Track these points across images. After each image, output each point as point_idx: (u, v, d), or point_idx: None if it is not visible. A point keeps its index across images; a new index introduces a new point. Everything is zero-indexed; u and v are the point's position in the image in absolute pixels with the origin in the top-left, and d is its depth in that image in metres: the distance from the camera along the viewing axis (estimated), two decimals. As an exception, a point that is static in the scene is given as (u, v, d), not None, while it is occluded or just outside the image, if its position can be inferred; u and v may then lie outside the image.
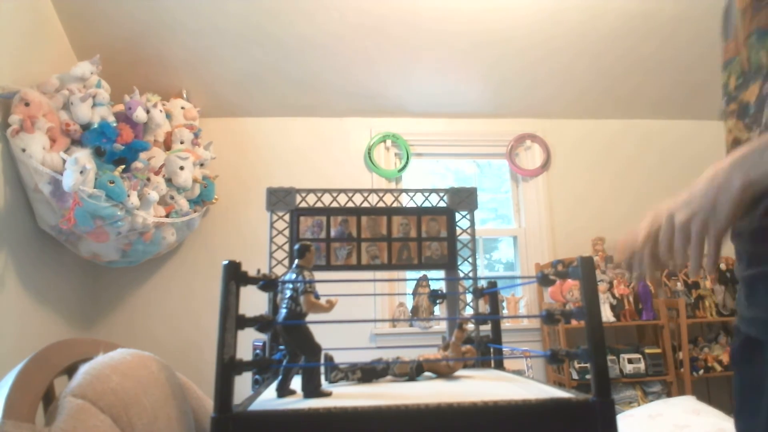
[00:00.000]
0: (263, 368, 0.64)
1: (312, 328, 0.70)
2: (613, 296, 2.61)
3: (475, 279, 1.13)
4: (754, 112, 0.73)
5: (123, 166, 2.08)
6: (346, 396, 0.68)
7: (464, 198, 1.21)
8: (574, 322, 2.31)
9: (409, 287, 2.74)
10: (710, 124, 2.97)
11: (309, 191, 1.20)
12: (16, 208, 1.98)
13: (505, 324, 2.65)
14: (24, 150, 1.87)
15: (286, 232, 1.17)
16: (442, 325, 2.03)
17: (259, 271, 0.77)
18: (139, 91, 2.32)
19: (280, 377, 0.71)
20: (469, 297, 1.18)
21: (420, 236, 1.20)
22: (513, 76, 2.76)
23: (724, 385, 2.66)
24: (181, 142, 2.47)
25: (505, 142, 2.97)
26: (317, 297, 0.71)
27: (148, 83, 2.52)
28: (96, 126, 2.05)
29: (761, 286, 0.72)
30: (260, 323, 0.64)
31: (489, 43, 2.53)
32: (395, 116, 2.94)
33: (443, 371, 0.88)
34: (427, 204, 1.22)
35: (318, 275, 0.74)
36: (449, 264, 1.19)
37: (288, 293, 0.71)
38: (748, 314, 0.74)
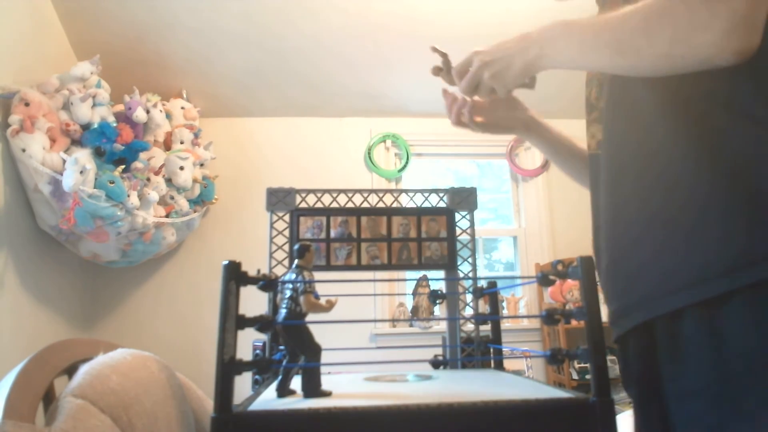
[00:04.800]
0: (263, 368, 0.64)
1: (312, 328, 0.70)
2: (613, 296, 2.61)
3: (475, 279, 1.13)
4: None
5: (123, 166, 2.08)
6: (346, 396, 0.68)
7: (464, 198, 1.21)
8: (574, 322, 2.30)
9: (409, 287, 2.74)
10: (710, 124, 2.97)
11: (309, 191, 1.20)
12: (16, 208, 1.98)
13: (505, 324, 2.64)
14: (24, 150, 1.87)
15: (286, 233, 1.17)
16: (442, 325, 2.03)
17: (259, 271, 0.77)
18: (139, 91, 2.32)
19: (280, 377, 0.71)
20: (469, 297, 1.18)
21: (420, 236, 1.20)
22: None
23: (724, 385, 2.66)
24: (181, 142, 2.47)
25: (505, 142, 2.97)
26: (317, 297, 0.71)
27: (148, 83, 2.52)
28: (96, 126, 2.05)
29: (602, 283, 0.78)
30: (260, 323, 0.63)
31: (489, 43, 2.53)
32: (395, 116, 2.94)
33: None
34: (426, 204, 1.22)
35: (318, 275, 0.74)
36: (449, 264, 1.19)
37: (288, 293, 0.71)
38: (608, 318, 0.78)
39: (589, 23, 0.68)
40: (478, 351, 1.06)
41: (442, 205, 1.22)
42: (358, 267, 1.18)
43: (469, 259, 1.18)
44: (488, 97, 0.87)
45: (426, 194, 1.23)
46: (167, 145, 2.46)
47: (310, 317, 0.70)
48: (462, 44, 2.61)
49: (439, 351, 1.18)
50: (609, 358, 2.43)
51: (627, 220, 0.72)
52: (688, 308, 0.62)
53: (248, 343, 1.61)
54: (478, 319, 1.11)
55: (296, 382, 0.72)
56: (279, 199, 1.18)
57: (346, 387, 0.77)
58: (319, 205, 1.20)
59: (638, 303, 0.70)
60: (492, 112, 0.98)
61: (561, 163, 1.05)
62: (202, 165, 2.54)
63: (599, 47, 0.66)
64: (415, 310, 2.66)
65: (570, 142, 1.04)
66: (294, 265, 0.73)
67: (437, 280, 2.26)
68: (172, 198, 2.34)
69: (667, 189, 0.67)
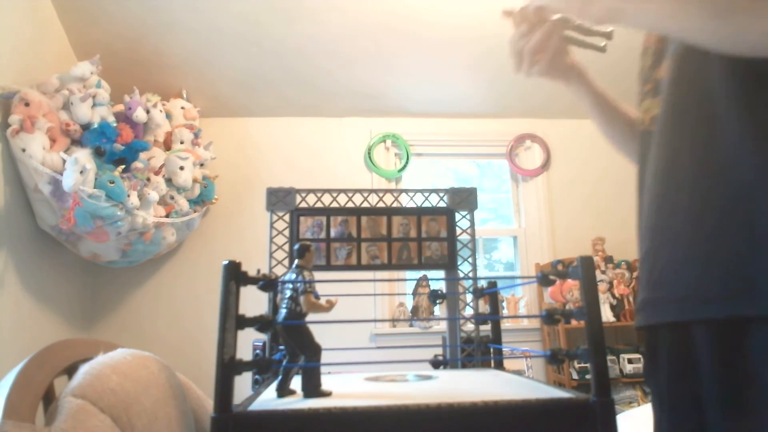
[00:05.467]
0: (263, 368, 0.64)
1: (312, 328, 0.70)
2: (613, 296, 2.61)
3: (475, 279, 1.13)
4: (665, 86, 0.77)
5: (123, 166, 2.08)
6: (346, 396, 0.68)
7: (464, 198, 1.21)
8: (574, 322, 2.31)
9: (409, 287, 2.74)
10: (710, 124, 2.97)
11: (309, 191, 1.20)
12: (16, 208, 1.98)
13: (505, 324, 2.64)
14: (24, 150, 1.87)
15: (286, 232, 1.17)
16: (442, 325, 2.03)
17: (259, 271, 0.77)
18: (139, 91, 2.32)
19: (280, 377, 0.71)
20: (469, 297, 1.18)
21: (420, 236, 1.20)
22: (513, 75, 2.74)
23: (724, 385, 2.66)
24: (181, 142, 2.47)
25: (505, 142, 2.97)
26: (317, 297, 0.71)
27: (148, 83, 2.52)
28: (96, 126, 2.05)
29: (644, 266, 0.73)
30: (260, 323, 0.63)
31: (489, 43, 2.53)
32: (395, 116, 2.94)
33: None
34: (427, 204, 1.22)
35: (318, 275, 0.74)
36: (449, 264, 1.19)
37: (288, 293, 0.71)
38: (637, 301, 0.75)
39: None
40: (478, 351, 1.06)
41: (442, 205, 1.22)
42: (358, 267, 1.18)
43: (469, 259, 1.18)
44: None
45: (426, 194, 1.23)
46: (167, 145, 2.46)
47: (310, 317, 0.70)
48: (462, 44, 2.61)
49: (439, 351, 1.18)
50: (609, 358, 2.44)
51: (674, 209, 0.67)
52: (748, 321, 0.57)
53: (248, 343, 1.61)
54: (478, 319, 1.11)
55: (296, 382, 0.72)
56: (279, 198, 1.18)
57: (346, 387, 0.77)
58: (319, 205, 1.20)
59: (674, 300, 0.65)
60: (550, 53, 0.86)
61: (606, 124, 0.96)
62: (202, 165, 2.54)
63: (700, 14, 0.58)
64: (415, 310, 2.66)
65: (616, 102, 0.95)
66: (294, 265, 0.73)
67: (437, 280, 2.26)
68: (172, 198, 2.34)
69: (726, 187, 0.61)
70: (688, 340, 0.64)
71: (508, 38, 0.85)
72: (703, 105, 0.65)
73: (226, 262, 0.60)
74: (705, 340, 0.62)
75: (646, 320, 0.71)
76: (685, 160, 0.67)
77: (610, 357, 2.48)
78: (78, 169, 1.85)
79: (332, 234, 1.18)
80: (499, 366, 1.01)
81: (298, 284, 0.70)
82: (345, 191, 1.22)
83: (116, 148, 2.08)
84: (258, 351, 1.86)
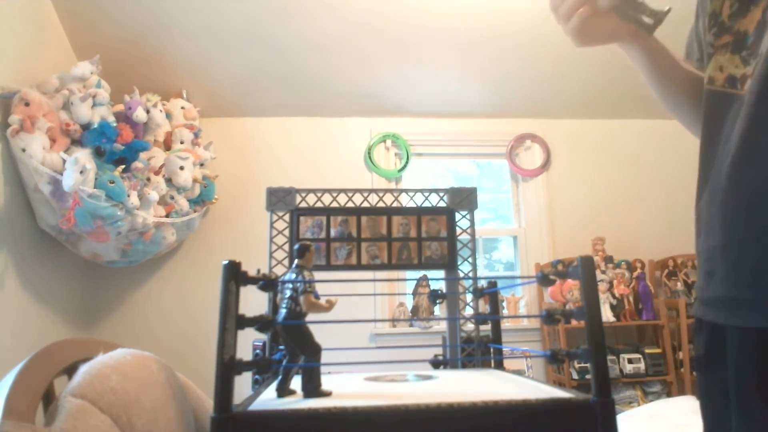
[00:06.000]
0: (263, 368, 0.64)
1: (312, 328, 0.70)
2: (613, 296, 2.61)
3: (475, 279, 1.13)
4: (752, 42, 0.64)
5: (123, 166, 2.08)
6: (346, 396, 0.68)
7: (464, 198, 1.21)
8: (574, 322, 2.31)
9: (409, 287, 2.74)
10: (710, 124, 2.97)
11: (309, 191, 1.20)
12: (16, 208, 1.98)
13: (505, 324, 2.64)
14: (24, 150, 1.87)
15: (286, 232, 1.17)
16: (442, 325, 2.03)
17: (259, 271, 0.77)
18: (139, 91, 2.32)
19: (280, 377, 0.71)
20: (469, 297, 1.17)
21: (420, 236, 1.20)
22: (513, 76, 2.75)
23: (724, 385, 2.66)
24: (181, 142, 2.47)
25: (505, 142, 2.97)
26: (317, 297, 0.70)
27: (148, 83, 2.52)
28: (96, 126, 2.05)
29: (721, 259, 0.65)
30: (260, 323, 0.63)
31: (489, 43, 2.53)
32: (395, 116, 2.94)
33: None
34: (427, 204, 1.22)
35: (318, 275, 0.74)
36: (449, 264, 1.19)
37: (288, 293, 0.71)
38: (707, 295, 0.69)
39: None
40: (478, 351, 1.06)
41: (442, 204, 1.22)
42: (358, 267, 1.18)
43: (469, 259, 1.18)
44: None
45: (426, 194, 1.23)
46: (167, 145, 2.46)
47: (310, 317, 0.70)
48: (462, 44, 2.62)
49: (439, 351, 1.18)
50: (609, 358, 2.44)
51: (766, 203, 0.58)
52: None
53: (248, 343, 1.61)
54: (478, 318, 1.11)
55: (296, 382, 0.72)
56: (279, 198, 1.18)
57: (346, 387, 0.77)
58: (319, 204, 1.20)
59: (760, 304, 0.58)
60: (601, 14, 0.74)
61: (665, 85, 0.83)
62: (202, 165, 2.54)
63: None
64: (415, 310, 2.66)
65: (676, 63, 0.82)
66: (294, 265, 0.73)
67: (437, 279, 2.26)
68: (172, 198, 2.34)
69: None
70: (763, 342, 0.60)
71: None
72: None
73: (226, 262, 0.60)
74: None
75: (723, 321, 0.65)
76: None
77: (610, 357, 2.48)
78: (78, 169, 1.85)
79: (332, 234, 1.18)
80: (499, 366, 1.01)
81: (298, 284, 0.70)
82: (345, 191, 1.22)
83: (116, 148, 2.08)
84: (258, 351, 1.86)
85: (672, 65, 0.81)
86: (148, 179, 2.17)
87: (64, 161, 1.89)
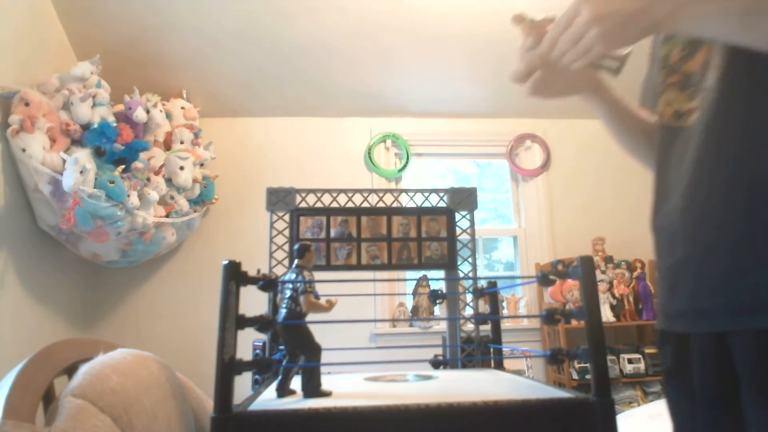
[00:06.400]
0: (263, 368, 0.64)
1: (312, 328, 0.70)
2: (613, 296, 2.61)
3: (475, 279, 1.13)
4: (697, 80, 0.71)
5: (123, 166, 2.08)
6: (346, 396, 0.68)
7: (464, 198, 1.21)
8: (574, 322, 2.31)
9: (409, 287, 2.74)
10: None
11: (309, 191, 1.20)
12: (16, 208, 1.98)
13: (505, 324, 2.64)
14: (24, 150, 1.87)
15: (286, 232, 1.17)
16: (442, 325, 2.03)
17: (259, 271, 0.77)
18: (139, 91, 2.32)
19: (280, 377, 0.71)
20: (469, 297, 1.18)
21: (420, 236, 1.20)
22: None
23: (724, 385, 2.66)
24: (181, 142, 2.47)
25: (505, 142, 2.97)
26: (317, 297, 0.71)
27: (148, 83, 2.52)
28: (96, 126, 2.05)
29: (683, 273, 0.70)
30: (260, 323, 0.63)
31: (489, 43, 2.53)
32: (395, 116, 2.94)
33: None
34: (427, 204, 1.22)
35: (318, 275, 0.74)
36: (449, 264, 1.19)
37: (288, 293, 0.71)
38: (672, 308, 0.73)
39: None
40: (478, 351, 1.06)
41: (442, 205, 1.22)
42: (358, 267, 1.18)
43: (469, 259, 1.18)
44: (576, 65, 0.67)
45: (426, 194, 1.23)
46: (167, 145, 2.46)
47: (310, 317, 0.70)
48: (462, 44, 2.62)
49: (439, 351, 1.18)
50: (609, 358, 2.44)
51: (725, 216, 0.64)
52: None
53: (248, 343, 1.61)
54: (478, 319, 1.11)
55: (296, 382, 0.72)
56: (279, 198, 1.18)
57: (346, 387, 0.77)
58: (319, 204, 1.20)
59: (735, 309, 0.63)
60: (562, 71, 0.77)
61: (623, 133, 0.91)
62: (202, 165, 2.54)
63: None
64: (415, 310, 2.66)
65: (631, 109, 0.90)
66: (294, 265, 0.73)
67: (437, 280, 2.26)
68: (172, 198, 2.34)
69: None
70: (724, 347, 0.64)
71: (518, 47, 0.78)
72: (761, 108, 0.63)
73: (226, 262, 0.60)
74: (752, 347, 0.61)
75: (694, 330, 0.69)
76: (738, 167, 0.63)
77: (610, 357, 2.48)
78: (78, 169, 1.85)
79: (332, 234, 1.18)
80: (499, 366, 1.01)
81: (298, 284, 0.70)
82: (345, 191, 1.22)
83: (116, 148, 2.08)
84: (258, 351, 1.86)
85: (628, 114, 0.90)
86: (148, 179, 2.17)
87: (64, 161, 1.89)
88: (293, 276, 0.71)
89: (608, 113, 0.89)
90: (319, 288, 0.72)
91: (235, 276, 0.60)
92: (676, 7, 0.59)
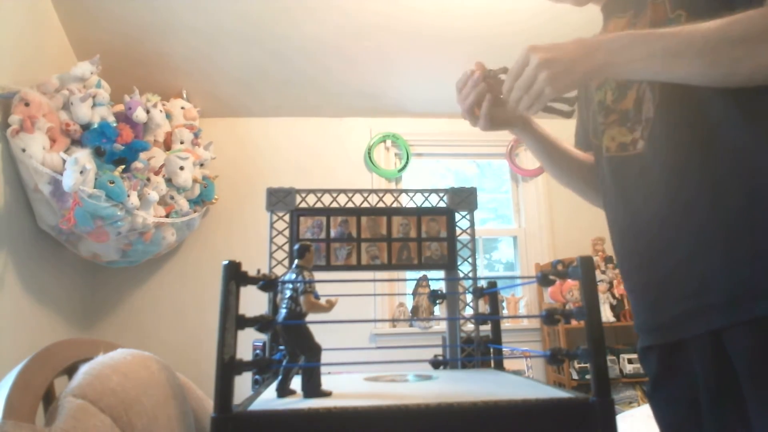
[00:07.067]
0: (263, 368, 0.64)
1: (312, 328, 0.70)
2: (613, 296, 2.61)
3: (475, 279, 1.13)
4: (633, 114, 0.81)
5: (123, 166, 2.08)
6: (346, 396, 0.68)
7: (464, 198, 1.21)
8: (574, 322, 2.31)
9: (409, 287, 2.74)
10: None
11: (309, 191, 1.20)
12: (16, 208, 1.98)
13: (505, 324, 2.64)
14: (24, 150, 1.87)
15: (286, 233, 1.17)
16: (442, 325, 2.03)
17: (259, 271, 0.77)
18: (139, 91, 2.32)
19: (280, 377, 0.71)
20: (469, 297, 1.17)
21: (420, 236, 1.20)
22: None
23: (724, 385, 2.66)
24: (181, 142, 2.47)
25: (505, 142, 2.97)
26: (317, 297, 0.71)
27: (148, 83, 2.52)
28: (96, 126, 2.05)
29: (670, 281, 0.75)
30: (260, 323, 0.63)
31: (489, 43, 2.53)
32: (395, 116, 2.94)
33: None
34: (426, 204, 1.22)
35: (318, 275, 0.74)
36: (449, 264, 1.19)
37: (288, 293, 0.71)
38: (661, 320, 0.78)
39: (670, 33, 0.67)
40: (478, 351, 1.06)
41: (442, 205, 1.22)
42: (358, 267, 1.18)
43: (469, 259, 1.18)
44: (533, 109, 0.76)
45: (426, 194, 1.23)
46: (167, 145, 2.46)
47: (310, 317, 0.70)
48: (462, 44, 2.61)
49: (439, 351, 1.18)
50: (609, 358, 2.43)
51: (696, 221, 0.71)
52: None
53: (248, 343, 1.61)
54: (478, 319, 1.11)
55: (296, 382, 0.72)
56: (279, 199, 1.18)
57: (346, 387, 0.77)
58: (319, 205, 1.20)
59: (720, 305, 0.68)
60: (496, 106, 0.89)
61: (553, 163, 1.04)
62: (202, 165, 2.54)
63: (688, 56, 0.65)
64: (415, 310, 2.66)
65: (563, 144, 1.04)
66: (294, 265, 0.73)
67: (437, 280, 2.26)
68: (172, 198, 2.34)
69: (750, 187, 0.66)
70: (720, 346, 0.68)
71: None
72: (700, 121, 0.70)
73: (226, 262, 0.60)
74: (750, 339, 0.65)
75: (686, 333, 0.73)
76: (694, 176, 0.71)
77: (610, 357, 2.48)
78: (78, 169, 1.85)
79: (332, 234, 1.18)
80: (499, 366, 1.01)
81: (298, 284, 0.70)
82: (345, 191, 1.22)
83: (116, 148, 2.08)
84: (258, 351, 1.86)
85: (558, 148, 1.03)
86: (148, 179, 2.17)
87: (64, 161, 1.89)
88: (293, 276, 0.71)
89: (538, 145, 1.01)
90: (319, 288, 0.72)
91: (235, 276, 0.60)
92: (610, 54, 0.69)
